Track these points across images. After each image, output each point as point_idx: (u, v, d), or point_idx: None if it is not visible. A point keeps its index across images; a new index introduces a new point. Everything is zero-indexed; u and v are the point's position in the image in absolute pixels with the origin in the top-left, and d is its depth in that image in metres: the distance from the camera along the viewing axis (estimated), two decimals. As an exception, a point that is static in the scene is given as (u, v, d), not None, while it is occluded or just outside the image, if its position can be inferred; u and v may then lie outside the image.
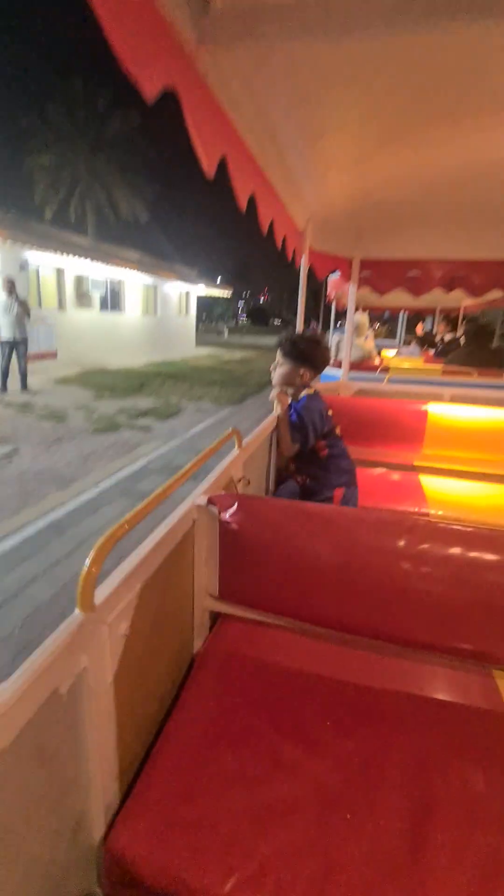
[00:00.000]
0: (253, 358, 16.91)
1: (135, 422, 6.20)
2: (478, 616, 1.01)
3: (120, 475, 4.19)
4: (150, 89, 0.70)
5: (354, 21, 0.87)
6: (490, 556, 1.00)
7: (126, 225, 22.77)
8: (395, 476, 2.33)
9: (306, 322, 3.04)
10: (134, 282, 14.53)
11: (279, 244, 1.84)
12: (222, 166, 1.04)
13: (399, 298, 4.99)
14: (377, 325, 10.97)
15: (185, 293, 18.06)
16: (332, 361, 3.01)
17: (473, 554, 1.02)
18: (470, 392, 2.84)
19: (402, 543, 1.04)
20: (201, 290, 18.93)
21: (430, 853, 0.71)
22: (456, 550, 1.03)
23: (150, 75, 0.70)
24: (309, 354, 1.87)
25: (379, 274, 3.04)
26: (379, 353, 6.25)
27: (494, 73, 1.07)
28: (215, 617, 1.28)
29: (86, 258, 11.65)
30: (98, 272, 12.62)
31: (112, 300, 13.84)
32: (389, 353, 7.02)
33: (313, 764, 0.84)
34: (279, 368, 1.90)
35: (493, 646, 1.02)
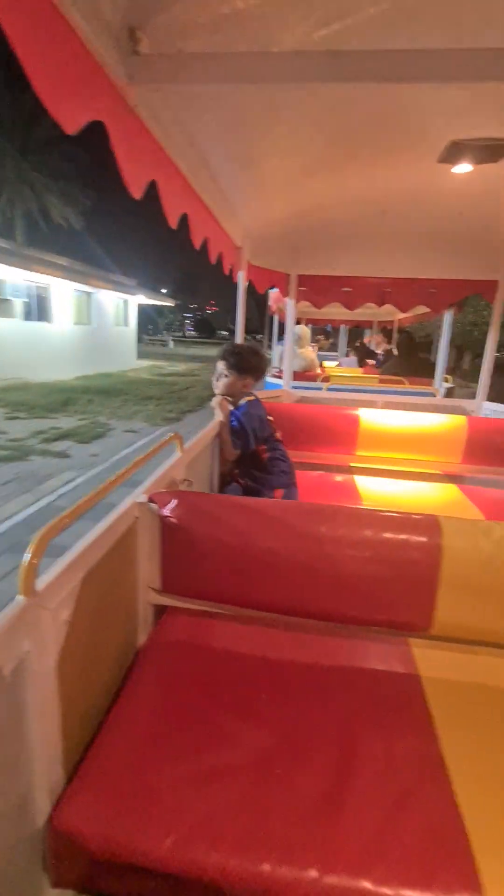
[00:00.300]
0: (198, 370, 16.17)
1: (50, 446, 5.36)
2: (394, 590, 1.13)
3: (14, 520, 3.39)
4: (72, 123, 0.78)
5: (278, 74, 0.97)
6: (402, 536, 1.14)
7: (59, 232, 21.72)
8: (332, 477, 2.50)
9: (254, 334, 3.35)
10: (64, 290, 13.44)
11: (214, 259, 1.95)
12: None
13: (339, 312, 5.56)
14: (321, 338, 10.97)
15: (123, 302, 17.02)
16: (276, 371, 3.36)
17: (387, 535, 1.15)
18: (401, 399, 3.17)
19: (325, 529, 1.17)
20: (141, 299, 18.14)
21: (348, 797, 0.80)
22: (371, 532, 1.15)
23: (72, 110, 0.78)
24: (250, 364, 1.98)
25: (315, 289, 3.25)
26: (321, 364, 6.31)
27: (404, 122, 1.31)
28: (162, 610, 1.31)
29: (1, 263, 10.57)
30: (18, 277, 11.52)
31: (39, 308, 12.71)
32: (331, 364, 7.19)
33: (250, 733, 0.92)
34: (222, 379, 1.98)
35: (407, 616, 1.14)
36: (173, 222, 1.29)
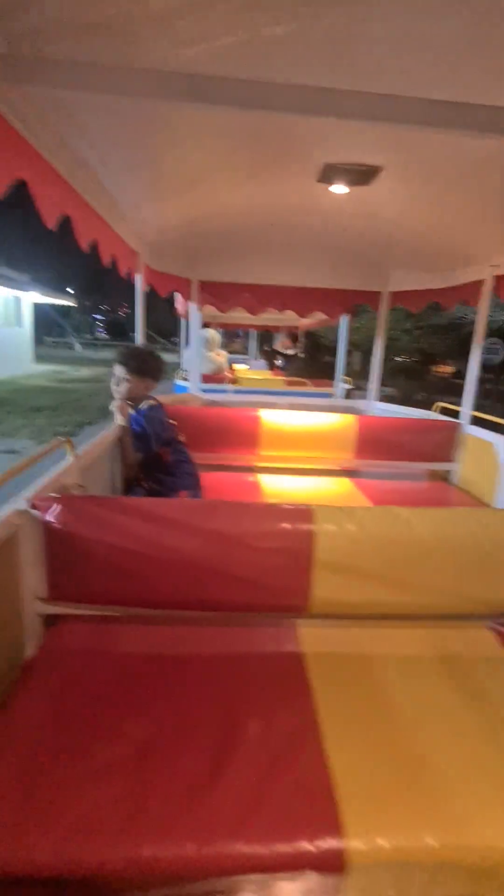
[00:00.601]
0: (105, 374, 14.74)
1: None
2: (277, 575, 1.19)
3: None
4: None
5: (140, 89, 0.98)
6: (282, 525, 1.21)
7: None
8: (237, 477, 2.60)
9: (171, 336, 3.40)
10: None
11: (107, 262, 1.94)
12: None
13: (248, 317, 5.53)
14: (235, 341, 11.16)
15: (14, 300, 14.52)
16: (185, 374, 3.45)
17: (267, 525, 1.22)
18: (303, 400, 3.42)
19: (209, 523, 1.21)
20: (37, 297, 15.95)
21: (227, 769, 0.85)
22: (252, 523, 1.22)
23: None
24: (149, 367, 1.99)
25: (217, 295, 3.35)
26: (232, 367, 6.48)
27: (281, 141, 1.38)
28: (55, 619, 1.28)
29: None
30: None
31: None
32: (241, 367, 7.36)
33: (136, 728, 0.93)
34: (123, 384, 1.97)
35: (290, 599, 1.21)
36: (51, 223, 1.27)
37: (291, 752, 0.89)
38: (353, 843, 0.76)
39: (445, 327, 15.95)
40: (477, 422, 2.75)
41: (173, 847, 0.73)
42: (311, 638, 1.24)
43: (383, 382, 3.60)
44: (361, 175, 1.68)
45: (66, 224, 1.42)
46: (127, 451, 2.01)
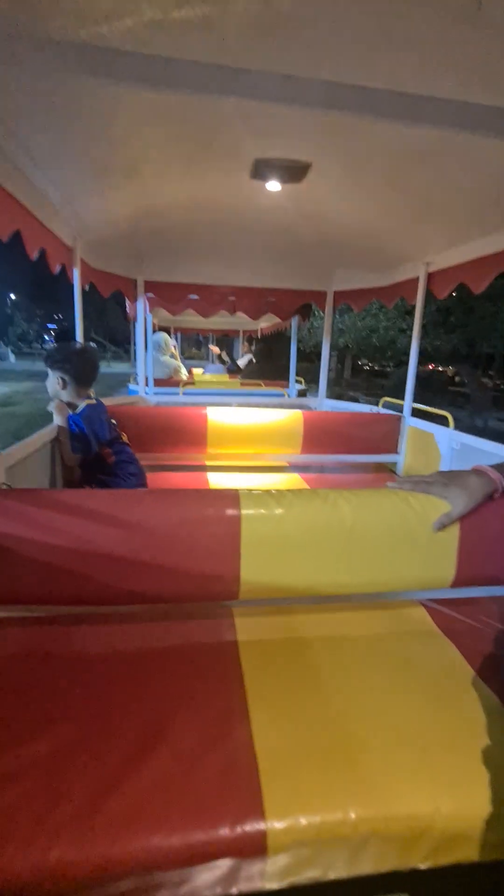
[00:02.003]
0: (33, 390, 11.89)
1: None
2: (208, 562, 1.18)
3: None
4: None
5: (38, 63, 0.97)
6: (208, 511, 1.20)
7: None
8: (185, 476, 2.59)
9: (119, 343, 3.22)
10: None
11: (32, 255, 1.84)
12: None
13: (205, 321, 5.61)
14: (193, 349, 11.19)
15: None
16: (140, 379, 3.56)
17: (194, 511, 1.20)
18: (253, 400, 3.53)
19: (136, 513, 1.18)
20: None
21: (151, 761, 0.83)
22: (179, 511, 1.20)
23: None
24: (85, 366, 1.98)
25: (164, 296, 3.35)
26: (190, 372, 6.46)
27: (212, 134, 1.40)
28: None
29: None
30: None
31: None
32: (197, 371, 7.37)
33: (55, 729, 0.89)
34: (52, 382, 1.96)
35: (222, 584, 1.21)
36: None
37: (218, 740, 0.88)
38: (274, 824, 0.74)
39: (444, 323, 14.63)
40: (417, 414, 2.86)
41: (83, 849, 0.69)
42: (245, 626, 1.23)
43: (363, 389, 3.66)
44: (292, 171, 1.70)
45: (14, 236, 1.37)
46: (64, 452, 1.95)
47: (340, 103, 1.05)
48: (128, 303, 5.35)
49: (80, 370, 1.97)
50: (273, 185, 1.81)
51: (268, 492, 1.24)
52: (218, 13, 0.87)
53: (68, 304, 2.65)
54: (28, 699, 0.97)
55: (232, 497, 1.21)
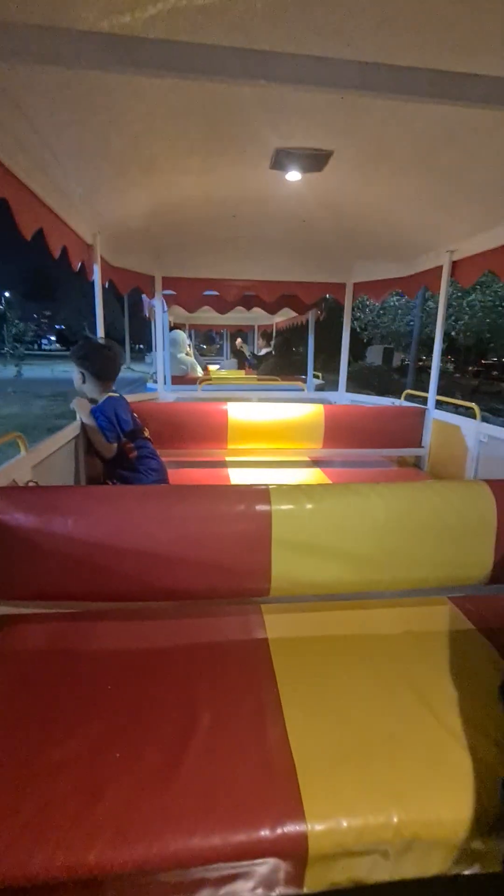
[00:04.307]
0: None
1: None
2: (239, 558, 1.17)
3: None
4: None
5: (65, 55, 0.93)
6: (239, 508, 1.18)
7: None
8: (206, 472, 2.57)
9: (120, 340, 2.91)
10: None
11: (55, 253, 1.87)
12: None
13: (221, 317, 5.59)
14: (213, 346, 11.20)
15: None
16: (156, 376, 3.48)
17: (224, 507, 1.19)
18: (272, 395, 3.50)
19: (165, 509, 1.17)
20: None
21: (187, 760, 0.82)
22: (210, 507, 1.19)
23: None
24: (106, 362, 2.00)
25: (182, 292, 3.31)
26: (206, 369, 6.44)
27: (232, 124, 1.36)
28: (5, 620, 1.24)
29: None
30: None
31: None
32: (213, 367, 7.39)
33: (90, 726, 0.89)
34: (76, 377, 2.00)
35: (253, 581, 1.19)
36: None
37: (253, 739, 0.86)
38: (315, 826, 0.73)
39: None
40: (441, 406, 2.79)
41: (123, 850, 0.69)
42: (275, 623, 1.21)
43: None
44: (313, 160, 1.67)
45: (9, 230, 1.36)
46: (100, 446, 1.96)
47: (372, 84, 1.01)
48: (146, 303, 5.40)
49: (100, 366, 1.99)
50: (293, 175, 1.78)
51: (298, 486, 1.22)
52: None
53: (65, 302, 2.65)
54: (59, 696, 0.97)
55: (262, 492, 1.19)
